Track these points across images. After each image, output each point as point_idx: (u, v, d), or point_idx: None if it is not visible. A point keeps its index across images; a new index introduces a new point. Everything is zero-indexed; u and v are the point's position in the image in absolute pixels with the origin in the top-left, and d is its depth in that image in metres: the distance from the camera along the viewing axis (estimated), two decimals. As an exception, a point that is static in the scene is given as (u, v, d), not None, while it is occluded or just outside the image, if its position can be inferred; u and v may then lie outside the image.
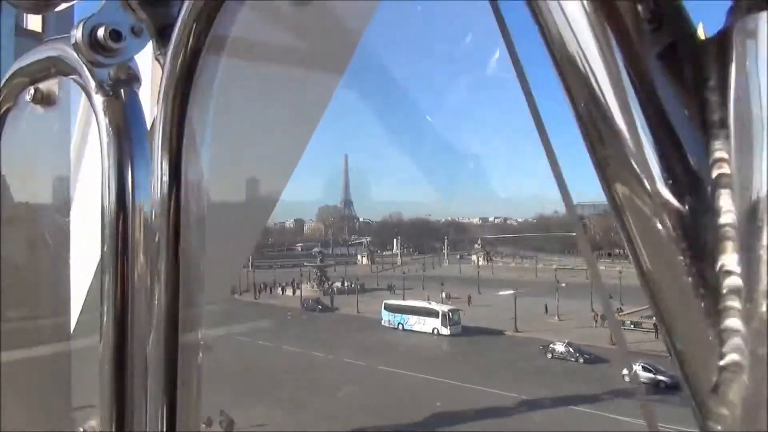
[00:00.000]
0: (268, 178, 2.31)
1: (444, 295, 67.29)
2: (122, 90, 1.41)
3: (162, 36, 1.27)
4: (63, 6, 1.68)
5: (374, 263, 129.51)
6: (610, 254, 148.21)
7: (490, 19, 0.69)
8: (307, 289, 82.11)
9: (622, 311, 59.74)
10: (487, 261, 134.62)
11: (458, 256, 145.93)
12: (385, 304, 62.13)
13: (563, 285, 67.67)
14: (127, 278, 1.32)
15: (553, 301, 62.80)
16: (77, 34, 1.35)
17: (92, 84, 1.41)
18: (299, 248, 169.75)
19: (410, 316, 58.11)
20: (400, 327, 58.02)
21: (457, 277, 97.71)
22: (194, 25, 1.14)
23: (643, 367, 38.86)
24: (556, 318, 61.55)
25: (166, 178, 1.21)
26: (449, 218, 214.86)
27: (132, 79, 1.42)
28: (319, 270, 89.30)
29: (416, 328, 56.72)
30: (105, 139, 1.38)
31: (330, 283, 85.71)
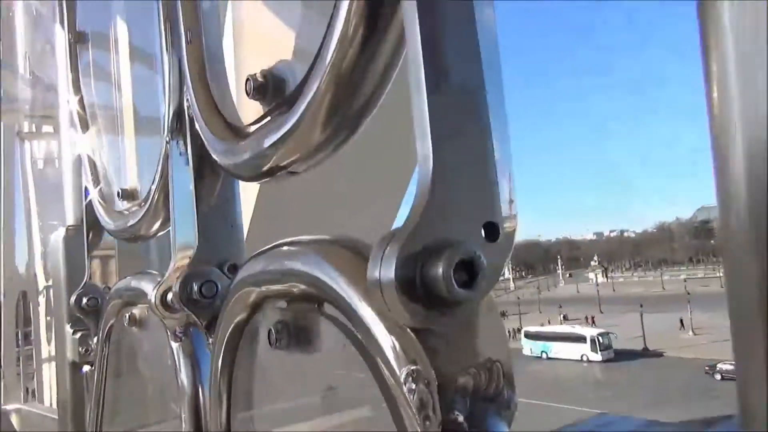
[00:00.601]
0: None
1: (562, 317, 64.66)
2: (192, 330, 1.80)
3: (209, 327, 1.60)
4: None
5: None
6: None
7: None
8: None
9: None
10: (606, 277, 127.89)
11: (569, 275, 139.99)
12: (525, 332, 59.00)
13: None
14: None
15: (685, 314, 58.31)
16: (151, 297, 1.77)
17: (168, 332, 1.84)
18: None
19: (553, 343, 54.05)
20: (544, 355, 54.32)
21: (575, 297, 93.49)
22: (234, 322, 1.43)
23: None
24: (691, 332, 56.98)
25: None
26: (561, 236, 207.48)
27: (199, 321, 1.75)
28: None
29: (561, 355, 52.80)
30: (180, 368, 1.82)
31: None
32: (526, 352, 55.57)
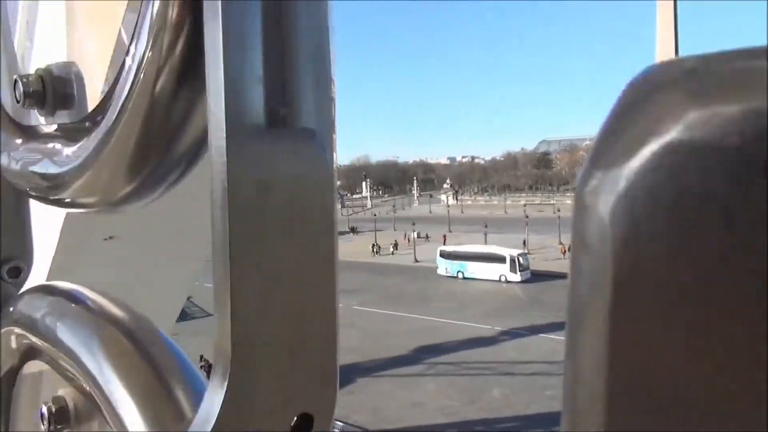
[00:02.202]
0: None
1: (416, 234, 67.87)
2: None
3: None
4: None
5: (344, 207, 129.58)
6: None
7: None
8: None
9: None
10: (456, 200, 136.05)
11: (429, 196, 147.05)
12: (440, 251, 55.62)
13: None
14: None
15: (523, 235, 64.14)
16: None
17: None
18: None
19: (470, 263, 51.95)
20: (460, 275, 51.97)
21: (428, 216, 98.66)
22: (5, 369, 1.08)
23: None
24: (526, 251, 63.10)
25: None
26: (417, 159, 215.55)
27: None
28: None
29: (479, 275, 50.86)
30: None
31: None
32: (441, 272, 53.85)
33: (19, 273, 1.20)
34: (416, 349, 32.89)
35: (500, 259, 50.21)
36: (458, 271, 52.21)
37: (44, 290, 0.98)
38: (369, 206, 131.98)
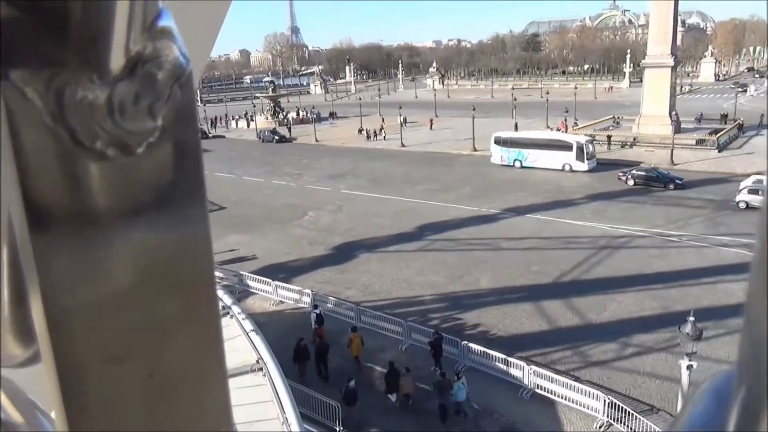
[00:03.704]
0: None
1: (401, 119, 66.46)
2: None
3: None
4: None
5: (328, 92, 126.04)
6: (564, 72, 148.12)
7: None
8: (262, 121, 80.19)
9: (577, 125, 61.01)
10: (442, 84, 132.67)
11: (412, 80, 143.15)
12: (494, 137, 49.55)
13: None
14: None
15: (510, 119, 63.35)
16: None
17: None
18: (248, 80, 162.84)
19: (530, 151, 46.75)
20: (517, 164, 47.03)
21: (414, 101, 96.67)
22: None
23: (749, 190, 33.07)
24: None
25: None
26: (402, 42, 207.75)
27: None
28: (271, 101, 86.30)
29: (539, 164, 45.81)
30: None
31: (285, 113, 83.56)
32: (495, 160, 48.57)
33: None
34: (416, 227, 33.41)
35: (565, 146, 45.50)
36: (515, 160, 47.52)
37: None
38: (353, 91, 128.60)
